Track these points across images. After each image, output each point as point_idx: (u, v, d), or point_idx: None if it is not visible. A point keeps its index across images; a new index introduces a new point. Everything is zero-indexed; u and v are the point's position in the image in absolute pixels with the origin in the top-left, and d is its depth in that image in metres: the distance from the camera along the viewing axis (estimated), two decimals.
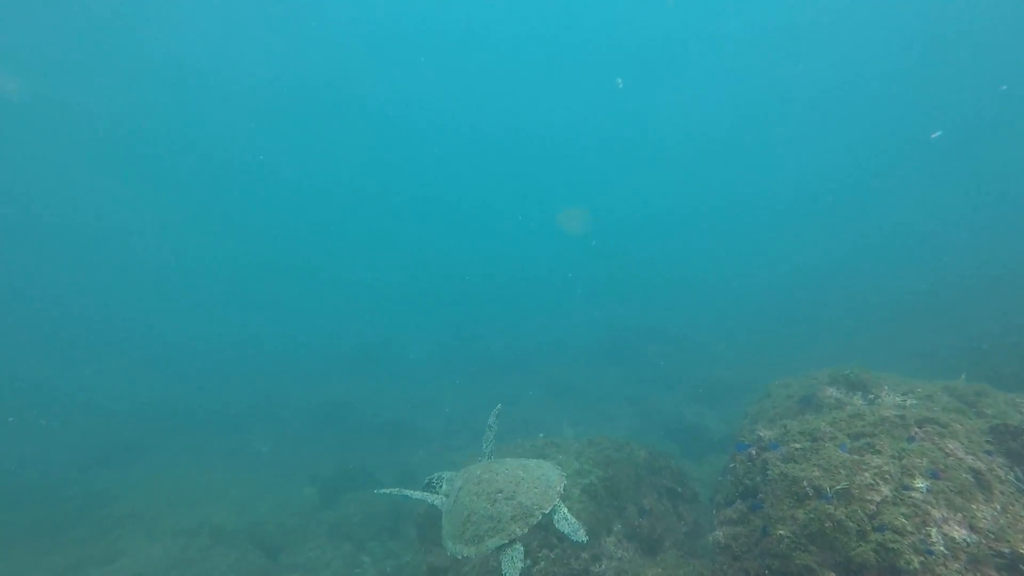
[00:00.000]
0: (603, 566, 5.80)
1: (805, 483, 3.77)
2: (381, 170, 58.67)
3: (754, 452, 4.41)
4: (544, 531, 5.83)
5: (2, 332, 29.48)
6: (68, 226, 44.35)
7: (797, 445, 4.15)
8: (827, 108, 48.17)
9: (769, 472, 4.10)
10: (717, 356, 20.23)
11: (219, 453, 14.30)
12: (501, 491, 4.00)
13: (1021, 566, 3.03)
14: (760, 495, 4.16)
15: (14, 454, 14.67)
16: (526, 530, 3.75)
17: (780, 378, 7.47)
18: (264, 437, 15.39)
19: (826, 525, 3.39)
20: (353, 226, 60.86)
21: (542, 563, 5.57)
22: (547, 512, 3.88)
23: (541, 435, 7.32)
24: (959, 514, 3.26)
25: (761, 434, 4.47)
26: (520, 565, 3.72)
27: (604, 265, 45.73)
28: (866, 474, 3.54)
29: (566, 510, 4.02)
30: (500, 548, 3.80)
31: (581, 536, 3.85)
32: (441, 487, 4.65)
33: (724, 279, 36.97)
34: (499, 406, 5.14)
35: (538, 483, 4.06)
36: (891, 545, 3.11)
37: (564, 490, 4.11)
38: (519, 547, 3.81)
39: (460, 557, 3.88)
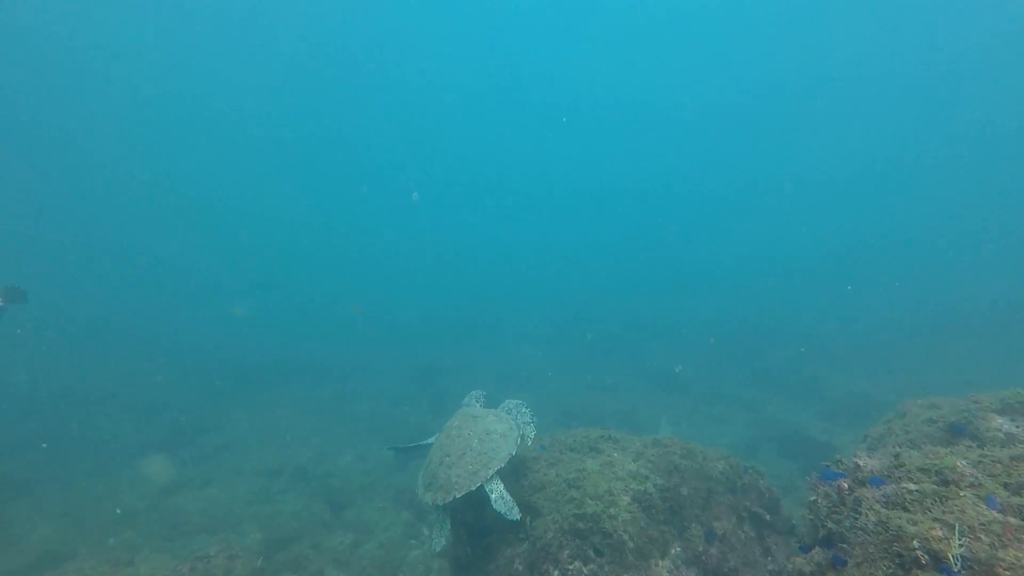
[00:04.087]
0: None
1: (916, 542, 2.52)
2: (514, 158, 60.05)
3: (845, 485, 3.14)
4: (579, 540, 4.98)
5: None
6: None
7: (912, 486, 2.84)
8: None
9: (861, 517, 2.86)
10: (858, 365, 17.08)
11: (318, 403, 15.39)
12: (449, 455, 4.36)
13: None
14: (845, 546, 2.93)
15: (162, 386, 17.49)
16: (439, 504, 4.16)
17: (927, 396, 5.67)
18: (364, 393, 16.25)
19: None
20: (482, 209, 63.26)
21: None
22: (460, 496, 4.08)
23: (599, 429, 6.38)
24: None
25: (860, 462, 3.18)
26: (442, 541, 4.18)
27: (731, 251, 42.27)
28: None
29: (503, 489, 4.22)
30: (436, 511, 4.29)
31: (515, 515, 4.14)
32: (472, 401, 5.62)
33: (880, 270, 31.66)
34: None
35: (480, 458, 4.29)
36: None
37: (506, 463, 4.32)
38: (447, 525, 4.31)
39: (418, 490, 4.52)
